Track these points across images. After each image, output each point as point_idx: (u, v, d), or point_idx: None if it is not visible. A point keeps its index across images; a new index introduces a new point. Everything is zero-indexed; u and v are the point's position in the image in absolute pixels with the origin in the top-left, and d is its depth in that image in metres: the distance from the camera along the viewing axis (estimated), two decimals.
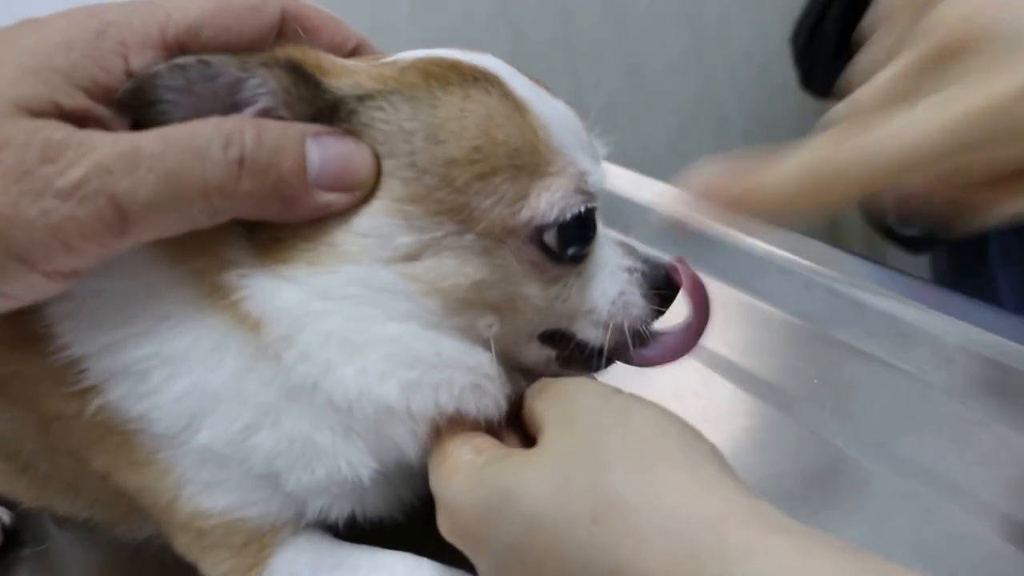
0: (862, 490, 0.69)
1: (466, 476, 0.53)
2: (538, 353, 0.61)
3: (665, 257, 0.64)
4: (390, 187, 0.54)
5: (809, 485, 0.70)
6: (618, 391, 0.54)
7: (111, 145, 0.48)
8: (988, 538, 0.63)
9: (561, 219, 0.56)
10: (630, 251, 0.63)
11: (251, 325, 0.54)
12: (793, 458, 0.73)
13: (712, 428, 0.75)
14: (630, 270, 0.62)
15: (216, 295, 0.54)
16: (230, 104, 0.53)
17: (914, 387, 0.78)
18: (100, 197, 0.48)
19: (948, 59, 0.48)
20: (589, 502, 0.46)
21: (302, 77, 0.54)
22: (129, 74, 0.52)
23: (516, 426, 0.59)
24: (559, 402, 0.54)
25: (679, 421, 0.51)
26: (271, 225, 0.54)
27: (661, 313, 0.62)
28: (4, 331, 0.58)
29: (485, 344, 0.57)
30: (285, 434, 0.56)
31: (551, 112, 0.58)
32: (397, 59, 0.59)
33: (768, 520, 0.43)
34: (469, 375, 0.56)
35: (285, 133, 0.53)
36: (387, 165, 0.54)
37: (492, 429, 0.59)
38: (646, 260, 0.63)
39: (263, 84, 0.53)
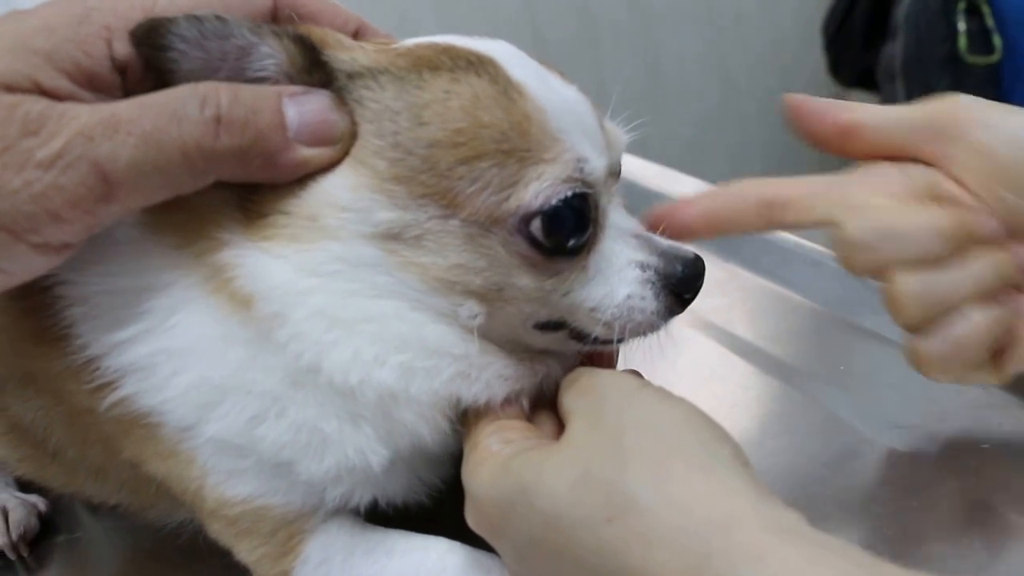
0: (883, 472, 0.69)
1: (491, 468, 0.52)
2: (543, 338, 0.59)
3: (686, 249, 0.60)
4: (375, 165, 0.54)
5: (834, 468, 0.70)
6: (647, 385, 0.53)
7: (90, 114, 0.49)
8: (1007, 515, 0.64)
9: (546, 207, 0.53)
10: (646, 244, 0.59)
11: (243, 303, 0.54)
12: (818, 441, 0.73)
13: (740, 412, 0.77)
14: (643, 266, 0.58)
15: (214, 277, 0.55)
16: (238, 68, 0.54)
17: None
18: (82, 164, 0.48)
19: None
20: (604, 502, 0.46)
21: (307, 48, 0.54)
22: (112, 59, 0.52)
23: (552, 410, 0.59)
24: (586, 396, 0.54)
25: (704, 420, 0.50)
26: (256, 201, 0.54)
27: (677, 312, 0.59)
28: (31, 327, 0.59)
29: (471, 333, 0.56)
30: (291, 423, 0.56)
31: (553, 97, 0.56)
32: (397, 45, 0.59)
33: (781, 526, 0.43)
34: (454, 364, 0.56)
35: (260, 92, 0.53)
36: (374, 144, 0.54)
37: (524, 414, 0.58)
38: (663, 253, 0.59)
39: (272, 54, 0.54)
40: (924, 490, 0.66)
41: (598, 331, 0.58)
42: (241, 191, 0.54)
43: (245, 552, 0.62)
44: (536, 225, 0.54)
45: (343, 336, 0.54)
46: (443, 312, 0.55)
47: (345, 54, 0.56)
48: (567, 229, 0.55)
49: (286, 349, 0.54)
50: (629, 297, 0.58)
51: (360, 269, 0.54)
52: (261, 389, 0.55)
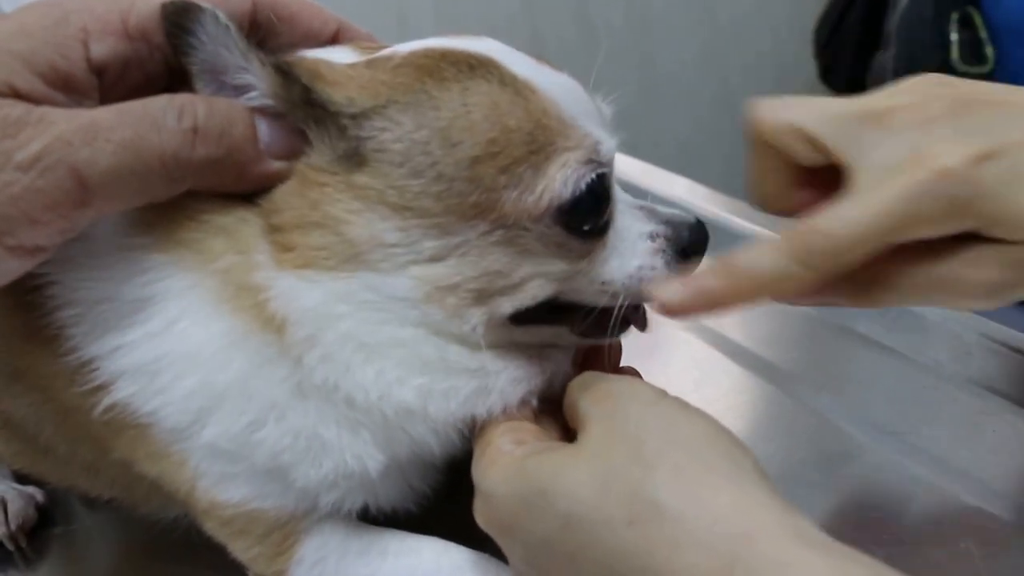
0: (877, 477, 0.70)
1: (505, 468, 0.52)
2: (545, 333, 0.60)
3: (686, 214, 0.62)
4: (423, 206, 0.53)
5: (826, 472, 0.70)
6: (665, 395, 0.53)
7: (68, 120, 0.49)
8: (998, 523, 0.64)
9: (576, 192, 0.54)
10: (651, 214, 0.61)
11: (275, 326, 0.54)
12: (811, 446, 0.74)
13: (733, 415, 0.77)
14: (652, 236, 0.60)
15: (241, 296, 0.54)
16: (239, 84, 0.54)
17: (930, 379, 0.78)
18: (61, 168, 0.49)
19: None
20: (627, 505, 0.46)
21: (292, 81, 0.53)
22: (89, 60, 0.53)
23: (556, 413, 0.59)
24: (604, 402, 0.53)
25: (724, 431, 0.50)
26: (283, 232, 0.54)
27: (691, 271, 0.60)
28: (20, 325, 0.59)
29: (484, 342, 0.56)
30: (290, 429, 0.56)
31: (557, 87, 0.57)
32: (393, 53, 0.57)
33: (806, 537, 0.43)
34: (473, 379, 0.56)
35: (234, 105, 0.54)
36: (415, 185, 0.53)
37: (534, 414, 0.59)
38: (668, 221, 0.61)
39: (254, 83, 0.54)
40: (918, 496, 0.67)
41: (604, 301, 0.59)
42: (264, 218, 0.55)
43: (240, 551, 0.62)
44: (569, 211, 0.55)
45: (368, 358, 0.54)
46: (458, 332, 0.56)
47: (341, 92, 0.54)
48: (596, 209, 0.56)
49: (314, 371, 0.54)
50: (640, 268, 0.59)
51: (391, 300, 0.54)
52: (263, 397, 0.55)
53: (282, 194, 0.54)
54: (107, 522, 0.77)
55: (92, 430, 0.60)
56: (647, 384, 0.56)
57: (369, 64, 0.56)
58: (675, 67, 2.59)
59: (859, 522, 0.65)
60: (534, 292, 0.56)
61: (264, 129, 0.54)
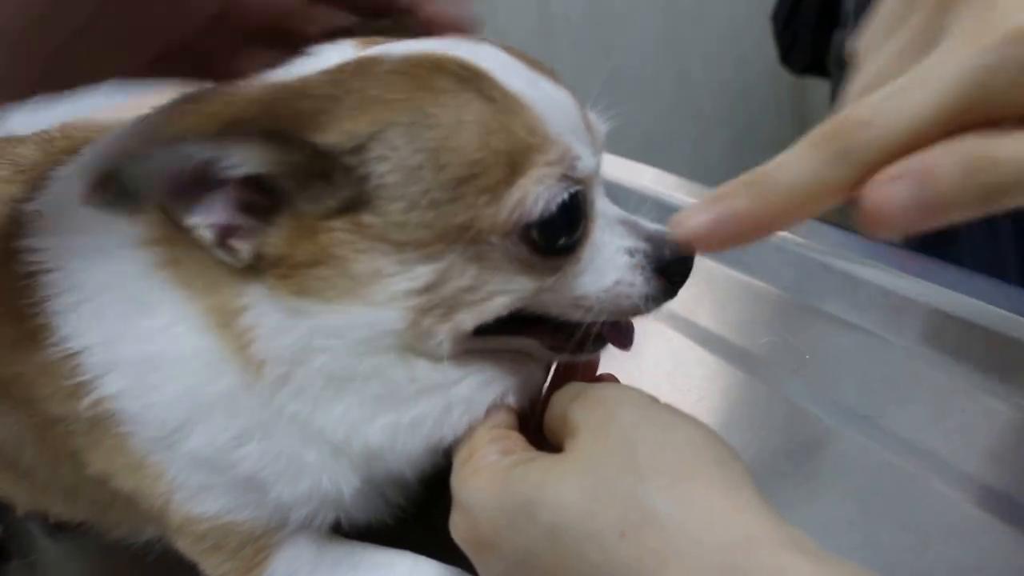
0: (846, 464, 0.69)
1: (489, 478, 0.50)
2: (511, 343, 0.59)
3: (669, 231, 0.58)
4: (419, 237, 0.51)
5: (797, 462, 0.70)
6: (655, 401, 0.52)
7: None
8: (964, 506, 0.63)
9: (546, 213, 0.52)
10: (633, 229, 0.58)
11: (256, 366, 0.53)
12: (783, 434, 0.73)
13: (706, 405, 0.77)
14: (631, 252, 0.57)
15: (233, 341, 0.53)
16: (212, 184, 0.51)
17: (900, 358, 0.77)
18: None
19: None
20: (619, 514, 0.44)
21: (289, 142, 0.50)
22: None
23: (537, 431, 0.57)
24: (595, 410, 0.52)
25: (717, 438, 0.49)
26: (282, 261, 0.52)
27: (670, 296, 0.58)
28: (7, 332, 0.57)
29: (447, 354, 0.55)
30: (273, 448, 0.55)
31: (547, 102, 0.54)
32: (382, 56, 0.54)
33: (799, 545, 0.42)
34: (435, 400, 0.55)
35: None
36: (415, 218, 0.51)
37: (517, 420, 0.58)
38: (649, 238, 0.58)
39: (243, 162, 0.50)
40: (886, 481, 0.67)
41: (578, 316, 0.57)
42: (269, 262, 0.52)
43: (211, 567, 0.61)
44: (536, 230, 0.53)
45: (338, 393, 0.54)
46: (428, 345, 0.54)
47: (332, 133, 0.50)
48: (564, 228, 0.54)
49: (286, 407, 0.54)
50: (617, 283, 0.57)
51: (377, 333, 0.53)
52: (250, 414, 0.55)
53: (283, 241, 0.52)
54: (69, 553, 0.76)
55: (72, 443, 0.59)
56: (637, 390, 0.55)
57: (358, 68, 0.53)
58: (634, 57, 2.60)
59: (830, 513, 0.64)
60: (496, 309, 0.54)
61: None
